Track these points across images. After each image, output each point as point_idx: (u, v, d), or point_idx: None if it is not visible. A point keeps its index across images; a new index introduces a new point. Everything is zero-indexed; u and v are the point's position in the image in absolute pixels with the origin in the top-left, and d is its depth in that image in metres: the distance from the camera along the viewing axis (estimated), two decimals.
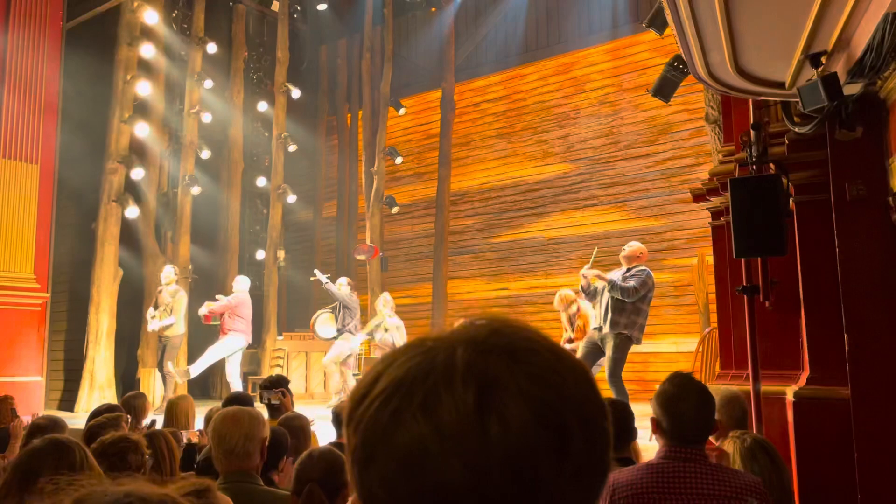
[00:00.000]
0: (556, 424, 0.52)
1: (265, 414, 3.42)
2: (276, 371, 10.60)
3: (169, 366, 8.65)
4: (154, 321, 8.77)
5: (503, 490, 0.50)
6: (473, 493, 0.50)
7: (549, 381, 0.54)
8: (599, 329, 5.88)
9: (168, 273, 8.97)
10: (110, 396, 9.47)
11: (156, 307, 8.90)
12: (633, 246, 6.15)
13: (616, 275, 5.92)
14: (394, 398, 0.53)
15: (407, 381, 0.54)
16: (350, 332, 8.80)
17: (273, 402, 4.03)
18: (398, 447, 0.52)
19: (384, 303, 8.78)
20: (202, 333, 10.01)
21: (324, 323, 9.13)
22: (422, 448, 0.51)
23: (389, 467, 0.52)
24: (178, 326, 8.82)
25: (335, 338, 8.88)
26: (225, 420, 2.38)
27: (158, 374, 9.53)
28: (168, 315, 8.71)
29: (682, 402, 2.08)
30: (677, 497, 2.04)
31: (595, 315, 6.07)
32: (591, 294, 6.03)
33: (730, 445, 2.54)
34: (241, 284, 8.89)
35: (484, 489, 0.50)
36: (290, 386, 4.40)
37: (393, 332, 8.49)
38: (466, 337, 0.56)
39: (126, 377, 10.82)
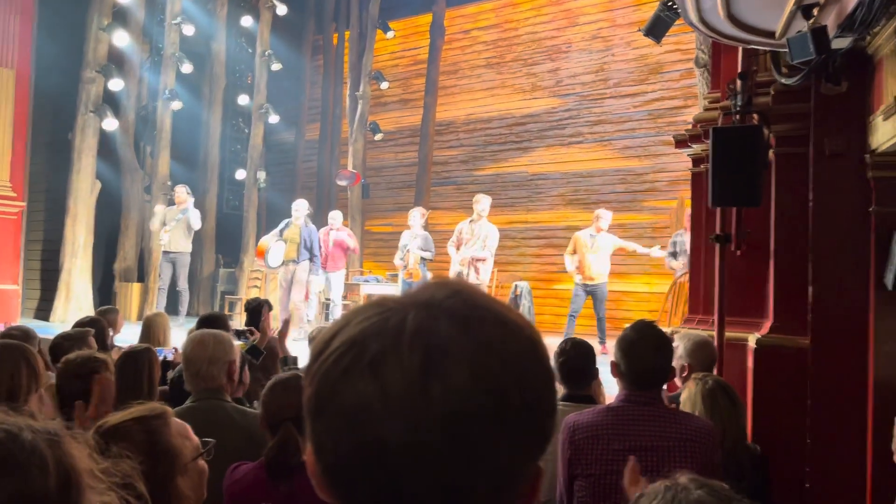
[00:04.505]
0: (496, 390, 0.55)
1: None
2: (254, 292, 10.65)
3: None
4: (165, 237, 9.08)
5: (439, 449, 0.53)
6: (411, 450, 0.53)
7: (495, 350, 0.56)
8: None
9: (181, 193, 9.31)
10: (87, 308, 9.50)
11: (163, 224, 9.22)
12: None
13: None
14: (346, 356, 0.56)
15: (360, 341, 0.56)
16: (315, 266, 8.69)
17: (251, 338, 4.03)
18: (345, 402, 0.55)
19: (421, 214, 8.85)
20: None
21: (276, 252, 8.63)
22: (366, 405, 0.54)
23: (336, 421, 0.56)
24: (189, 243, 9.27)
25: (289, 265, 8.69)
26: (192, 343, 2.49)
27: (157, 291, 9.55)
28: (182, 233, 9.11)
29: (641, 347, 2.16)
30: (633, 438, 2.14)
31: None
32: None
33: (692, 386, 2.65)
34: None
35: (421, 447, 0.53)
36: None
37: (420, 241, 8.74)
38: (422, 300, 0.59)
39: (103, 289, 10.84)
